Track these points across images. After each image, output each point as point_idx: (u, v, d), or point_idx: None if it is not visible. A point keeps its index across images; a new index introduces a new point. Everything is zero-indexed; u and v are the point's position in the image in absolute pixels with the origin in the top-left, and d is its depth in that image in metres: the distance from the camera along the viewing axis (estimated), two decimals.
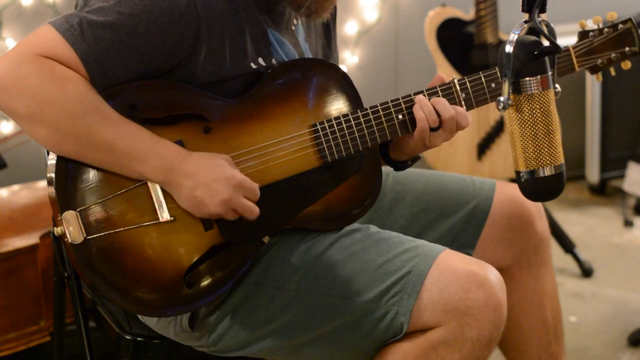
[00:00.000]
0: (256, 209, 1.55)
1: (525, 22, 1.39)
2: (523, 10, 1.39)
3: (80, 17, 1.50)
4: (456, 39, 3.14)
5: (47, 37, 1.49)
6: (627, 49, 1.79)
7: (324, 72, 1.67)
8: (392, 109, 1.67)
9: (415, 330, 1.56)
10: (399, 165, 1.78)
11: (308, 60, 1.71)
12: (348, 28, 3.58)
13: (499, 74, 1.71)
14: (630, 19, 1.79)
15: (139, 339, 1.72)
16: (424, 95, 1.69)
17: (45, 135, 1.49)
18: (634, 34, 1.78)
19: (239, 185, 1.53)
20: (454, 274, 1.55)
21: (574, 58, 1.78)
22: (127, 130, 1.50)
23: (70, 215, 1.50)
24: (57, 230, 1.52)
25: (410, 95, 1.69)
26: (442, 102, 1.67)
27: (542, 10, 1.38)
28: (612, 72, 1.84)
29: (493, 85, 1.71)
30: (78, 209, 1.50)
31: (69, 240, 1.50)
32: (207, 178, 1.51)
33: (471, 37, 3.11)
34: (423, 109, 1.66)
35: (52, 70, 1.47)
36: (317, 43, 1.81)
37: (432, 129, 1.67)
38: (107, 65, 1.50)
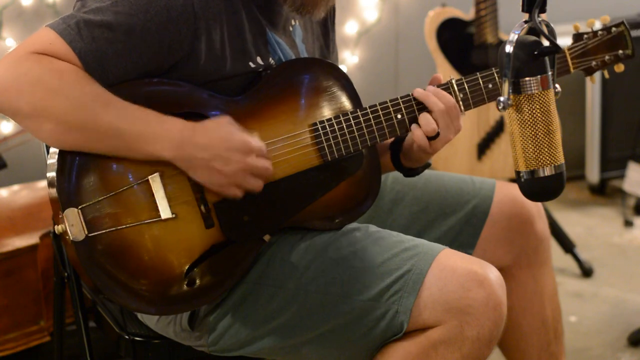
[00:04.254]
0: (270, 170, 1.56)
1: (525, 22, 1.39)
2: (523, 10, 1.39)
3: (78, 18, 1.50)
4: (456, 39, 3.14)
5: (45, 37, 1.50)
6: (620, 51, 1.80)
7: (323, 72, 1.67)
8: (391, 109, 1.67)
9: (415, 329, 1.56)
10: (410, 172, 1.78)
11: (308, 59, 1.71)
12: (348, 28, 3.58)
13: (496, 75, 1.71)
14: (623, 22, 1.80)
15: (139, 339, 1.72)
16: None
17: (51, 130, 1.49)
18: (627, 37, 1.80)
19: (251, 150, 1.54)
20: (454, 272, 1.55)
21: (569, 59, 1.79)
22: (131, 112, 1.50)
23: (71, 213, 1.50)
24: (58, 228, 1.52)
25: (408, 95, 1.69)
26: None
27: (542, 10, 1.38)
28: (606, 74, 1.85)
29: (490, 86, 1.71)
30: (80, 207, 1.50)
31: (71, 238, 1.50)
32: (222, 148, 1.52)
33: (471, 37, 3.11)
34: (423, 125, 1.66)
35: (50, 64, 1.48)
36: (315, 45, 1.81)
37: (430, 138, 1.67)
38: (105, 64, 1.50)
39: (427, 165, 1.78)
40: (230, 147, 1.52)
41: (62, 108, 1.47)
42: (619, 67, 1.82)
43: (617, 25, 1.79)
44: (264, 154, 1.56)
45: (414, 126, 1.67)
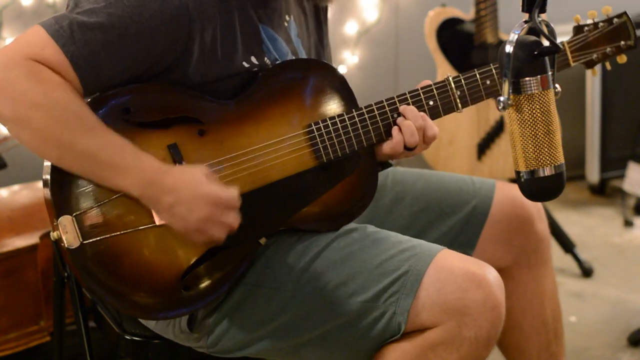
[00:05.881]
0: (235, 225, 1.53)
1: (525, 22, 1.39)
2: (523, 10, 1.39)
3: (71, 19, 1.49)
4: (456, 39, 3.14)
5: (37, 39, 1.48)
6: (622, 42, 1.79)
7: (319, 73, 1.67)
8: (387, 108, 1.67)
9: (413, 330, 1.56)
10: None
11: (303, 60, 1.70)
12: (348, 28, 3.58)
13: (494, 71, 1.71)
14: (625, 13, 1.79)
15: (139, 339, 1.72)
16: (410, 101, 1.68)
17: (29, 140, 1.49)
18: (629, 27, 1.79)
19: (218, 202, 1.51)
20: (452, 273, 1.55)
21: (568, 53, 1.78)
22: (109, 142, 1.49)
23: (66, 220, 1.50)
24: (54, 235, 1.52)
25: (405, 94, 1.68)
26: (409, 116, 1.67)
27: (542, 10, 1.38)
28: (608, 66, 1.84)
29: (488, 82, 1.71)
30: (74, 214, 1.50)
31: (65, 245, 1.50)
32: (187, 195, 1.50)
33: (471, 37, 3.11)
34: (404, 130, 1.66)
35: (40, 75, 1.47)
36: (310, 39, 1.81)
37: (408, 148, 1.67)
38: (98, 67, 1.49)
39: (388, 166, 1.78)
40: (197, 195, 1.50)
41: (41, 122, 1.47)
42: (622, 59, 1.81)
43: (619, 16, 1.79)
44: (234, 207, 1.53)
45: (395, 129, 1.67)
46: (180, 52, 1.54)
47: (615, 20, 1.78)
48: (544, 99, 1.40)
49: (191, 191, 1.50)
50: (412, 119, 1.66)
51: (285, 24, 1.72)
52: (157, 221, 1.53)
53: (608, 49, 1.79)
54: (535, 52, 1.39)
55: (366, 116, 1.66)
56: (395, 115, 1.67)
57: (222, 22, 1.57)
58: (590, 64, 1.81)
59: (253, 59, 1.62)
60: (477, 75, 1.71)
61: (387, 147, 1.67)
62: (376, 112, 1.66)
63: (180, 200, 1.50)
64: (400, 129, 1.66)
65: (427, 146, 1.71)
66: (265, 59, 1.64)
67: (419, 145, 1.68)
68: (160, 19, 1.51)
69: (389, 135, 1.67)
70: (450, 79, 1.70)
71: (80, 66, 1.48)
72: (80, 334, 1.80)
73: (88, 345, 1.80)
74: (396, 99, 1.67)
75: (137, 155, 1.50)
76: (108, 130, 1.49)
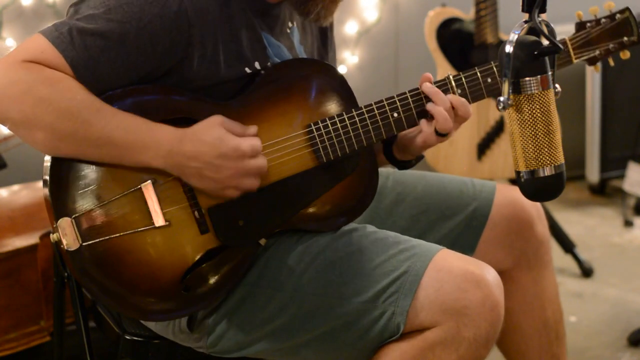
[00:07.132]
0: (264, 168, 1.56)
1: (525, 22, 1.39)
2: (523, 10, 1.39)
3: (70, 25, 1.50)
4: (456, 39, 3.14)
5: (36, 45, 1.49)
6: (625, 38, 1.77)
7: (317, 72, 1.66)
8: (387, 107, 1.66)
9: (412, 330, 1.56)
10: (403, 165, 1.77)
11: (301, 60, 1.70)
12: (348, 28, 3.58)
13: (495, 69, 1.70)
14: (627, 8, 1.77)
15: (139, 339, 1.72)
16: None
17: (43, 139, 1.49)
18: (632, 23, 1.77)
19: (242, 155, 1.53)
20: (451, 273, 1.55)
21: (570, 50, 1.77)
22: (121, 121, 1.50)
23: (65, 223, 1.50)
24: (54, 237, 1.52)
25: (405, 93, 1.67)
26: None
27: (542, 10, 1.38)
28: (611, 62, 1.83)
29: (489, 80, 1.70)
30: (73, 216, 1.50)
31: (65, 247, 1.50)
32: (212, 156, 1.52)
33: (471, 37, 3.11)
34: (437, 117, 1.64)
35: (41, 72, 1.47)
36: (313, 45, 1.80)
37: (441, 135, 1.66)
38: (98, 72, 1.50)
39: (421, 158, 1.77)
40: (221, 155, 1.52)
41: (52, 116, 1.47)
42: (625, 54, 1.79)
43: (621, 12, 1.77)
44: (258, 152, 1.56)
45: (423, 122, 1.66)
46: (180, 57, 1.54)
47: (617, 16, 1.77)
48: (544, 99, 1.40)
49: (213, 152, 1.51)
50: (440, 104, 1.65)
51: (288, 31, 1.72)
52: (157, 223, 1.53)
53: (611, 45, 1.78)
54: (535, 52, 1.39)
55: (366, 116, 1.65)
56: (396, 115, 1.66)
57: (225, 29, 1.57)
58: (592, 61, 1.79)
59: (257, 65, 1.62)
60: (478, 73, 1.70)
61: (419, 139, 1.66)
62: (376, 112, 1.66)
63: (205, 164, 1.51)
64: (430, 119, 1.64)
65: (459, 125, 1.68)
66: (269, 64, 1.64)
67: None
68: (160, 24, 1.51)
69: (390, 134, 1.66)
70: (451, 77, 1.69)
71: (80, 70, 1.49)
72: (80, 334, 1.80)
73: (88, 345, 1.80)
74: (396, 98, 1.67)
75: (149, 128, 1.51)
76: (116, 111, 1.50)
